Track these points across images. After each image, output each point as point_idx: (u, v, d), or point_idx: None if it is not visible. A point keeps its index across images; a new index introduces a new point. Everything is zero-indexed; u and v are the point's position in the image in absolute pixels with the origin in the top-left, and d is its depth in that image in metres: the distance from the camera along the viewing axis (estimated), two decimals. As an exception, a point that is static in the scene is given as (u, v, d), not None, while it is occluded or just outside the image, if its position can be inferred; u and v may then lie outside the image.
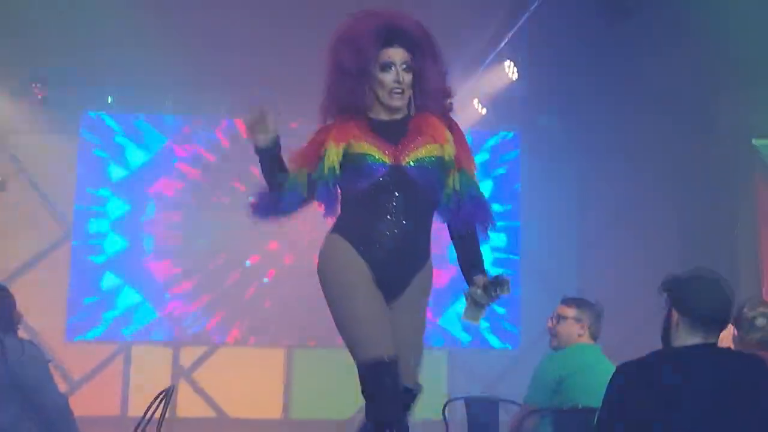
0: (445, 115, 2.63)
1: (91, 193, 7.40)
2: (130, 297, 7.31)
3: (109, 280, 7.35)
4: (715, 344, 2.63)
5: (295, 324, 7.28)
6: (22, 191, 7.20)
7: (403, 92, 2.54)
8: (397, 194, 2.51)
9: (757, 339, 3.56)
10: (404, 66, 2.53)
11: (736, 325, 3.53)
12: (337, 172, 2.50)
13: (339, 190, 2.58)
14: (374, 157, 2.50)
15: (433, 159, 2.54)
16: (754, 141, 7.42)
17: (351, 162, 2.51)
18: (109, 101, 7.33)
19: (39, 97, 6.97)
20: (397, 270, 2.53)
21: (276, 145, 2.54)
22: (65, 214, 7.28)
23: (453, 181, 2.58)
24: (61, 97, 7.14)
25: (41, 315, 6.69)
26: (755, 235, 7.56)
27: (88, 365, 7.09)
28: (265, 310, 7.40)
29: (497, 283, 2.46)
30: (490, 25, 6.28)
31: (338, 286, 2.52)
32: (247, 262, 7.39)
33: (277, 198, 2.60)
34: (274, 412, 7.02)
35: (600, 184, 7.89)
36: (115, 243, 7.26)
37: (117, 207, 7.36)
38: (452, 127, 2.61)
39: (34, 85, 6.92)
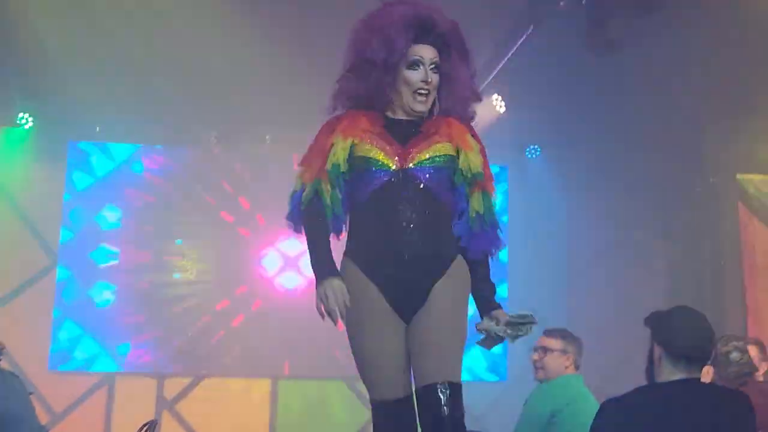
0: (467, 122, 2.46)
1: (77, 221, 7.34)
2: (114, 322, 7.17)
3: (91, 308, 7.26)
4: (698, 379, 2.62)
5: (282, 354, 7.19)
6: (8, 219, 7.16)
7: (428, 94, 2.37)
8: (404, 203, 2.32)
9: (734, 373, 3.67)
10: (432, 66, 2.36)
11: (712, 362, 3.40)
12: (343, 168, 2.33)
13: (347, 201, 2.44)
14: (377, 162, 2.32)
15: (445, 158, 2.35)
16: (738, 176, 7.49)
17: (355, 167, 2.34)
18: (98, 130, 7.24)
19: (26, 126, 6.93)
20: (412, 284, 2.31)
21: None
22: (51, 242, 7.21)
23: (478, 203, 2.40)
24: (49, 125, 7.12)
25: (24, 344, 6.60)
26: (740, 269, 7.51)
27: (70, 396, 6.97)
28: (252, 340, 7.31)
29: (525, 322, 2.36)
30: (477, 58, 6.13)
31: (349, 319, 2.34)
32: (236, 291, 7.28)
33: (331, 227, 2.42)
34: (260, 444, 6.89)
35: (587, 217, 7.85)
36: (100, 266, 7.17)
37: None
38: (475, 137, 2.45)
39: (21, 113, 6.86)
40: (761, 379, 4.11)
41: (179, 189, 7.41)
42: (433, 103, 2.42)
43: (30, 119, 6.85)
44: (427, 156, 2.33)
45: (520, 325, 2.35)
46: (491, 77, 6.23)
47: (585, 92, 6.46)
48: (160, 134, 7.26)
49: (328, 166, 2.31)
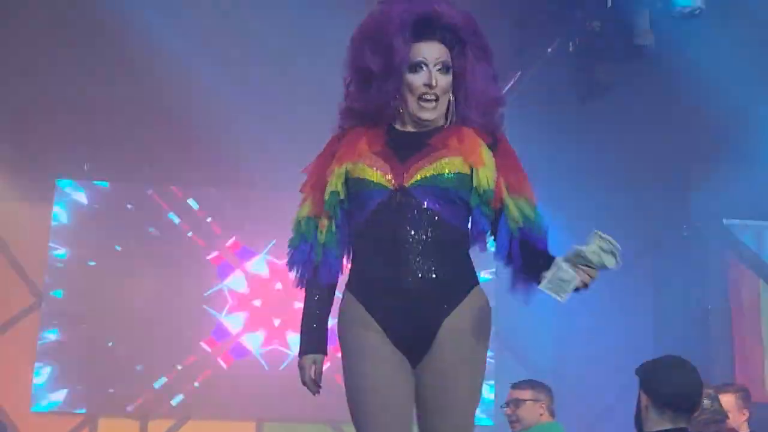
0: (490, 130, 2.11)
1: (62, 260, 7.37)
2: (99, 362, 7.16)
3: (74, 348, 7.26)
4: (684, 429, 2.65)
5: (268, 396, 7.13)
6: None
7: (436, 99, 2.05)
8: (406, 226, 2.02)
9: (704, 420, 3.67)
10: (439, 66, 2.03)
11: None
12: (342, 196, 2.06)
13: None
14: (371, 182, 2.03)
15: (453, 176, 2.02)
16: (724, 221, 7.45)
17: (350, 191, 2.07)
18: (86, 169, 7.24)
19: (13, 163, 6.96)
20: (419, 320, 2.01)
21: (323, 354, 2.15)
22: (35, 282, 7.23)
23: (517, 212, 2.05)
24: (36, 163, 7.12)
25: (6, 384, 6.70)
26: (727, 314, 7.46)
27: (53, 437, 6.97)
28: (238, 381, 7.28)
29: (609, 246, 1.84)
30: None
31: (344, 355, 2.09)
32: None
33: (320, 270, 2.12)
34: (243, 488, 6.79)
35: None
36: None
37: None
38: (498, 145, 2.09)
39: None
40: (743, 425, 4.20)
41: (168, 229, 7.52)
42: (449, 109, 2.11)
43: (17, 156, 6.84)
44: (430, 174, 2.02)
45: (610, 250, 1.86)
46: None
47: (572, 136, 6.57)
48: (149, 174, 7.23)
49: (326, 195, 2.07)
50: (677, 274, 7.49)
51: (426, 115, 2.02)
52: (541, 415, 4.03)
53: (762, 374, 7.40)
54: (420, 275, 1.97)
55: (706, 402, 3.63)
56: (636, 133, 6.55)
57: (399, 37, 1.99)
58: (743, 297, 7.60)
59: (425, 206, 1.98)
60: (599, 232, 1.86)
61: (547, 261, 1.96)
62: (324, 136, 2.25)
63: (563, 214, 7.37)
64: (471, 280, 2.06)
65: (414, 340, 1.97)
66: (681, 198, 7.47)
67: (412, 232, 1.98)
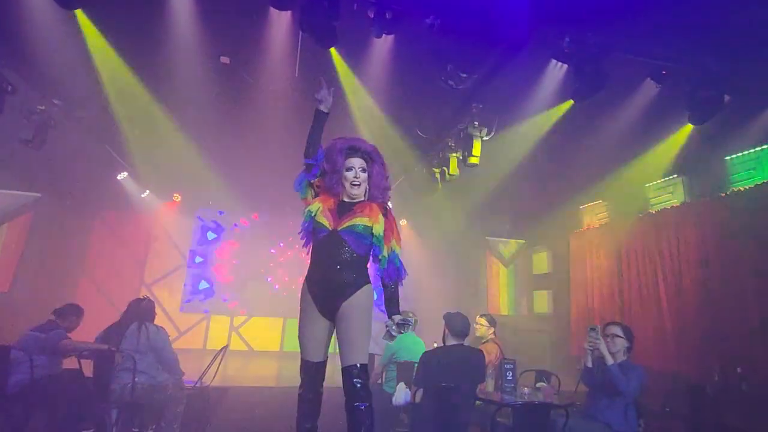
0: (384, 203, 3.16)
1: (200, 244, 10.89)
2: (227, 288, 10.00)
3: (213, 272, 10.61)
4: (462, 344, 3.63)
5: (289, 303, 10.12)
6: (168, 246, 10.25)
7: (359, 185, 3.09)
8: (333, 249, 3.04)
9: (480, 336, 4.75)
10: (361, 169, 3.11)
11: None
12: (313, 214, 3.12)
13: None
14: (321, 224, 3.08)
15: (361, 227, 3.03)
16: (486, 237, 11.14)
17: (315, 225, 3.11)
18: (210, 203, 10.83)
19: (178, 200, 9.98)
20: (327, 300, 3.04)
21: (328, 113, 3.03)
22: (184, 250, 10.42)
23: (387, 251, 3.04)
24: (190, 200, 10.46)
25: (169, 294, 9.71)
26: (485, 287, 11.04)
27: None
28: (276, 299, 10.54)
29: (403, 324, 3.00)
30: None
31: (300, 315, 3.16)
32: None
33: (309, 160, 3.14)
34: None
35: (426, 251, 11.27)
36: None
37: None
38: (387, 214, 3.11)
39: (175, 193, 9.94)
40: (492, 334, 5.16)
41: (255, 238, 11.12)
42: (366, 190, 3.15)
43: (179, 197, 10.57)
44: (348, 225, 3.05)
45: (401, 325, 3.01)
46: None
47: (422, 207, 10.16)
48: (243, 207, 10.89)
49: (307, 210, 3.11)
50: (464, 266, 11.25)
51: (354, 191, 3.13)
52: (414, 328, 4.92)
53: (498, 302, 10.98)
54: (339, 277, 3.01)
55: (475, 326, 4.78)
56: (440, 210, 9.85)
57: (343, 155, 3.12)
58: (491, 274, 11.05)
59: (343, 241, 3.06)
60: (389, 325, 2.99)
61: (387, 300, 3.07)
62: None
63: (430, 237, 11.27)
64: (363, 281, 3.03)
65: (329, 309, 3.08)
66: (466, 228, 10.62)
67: (337, 253, 3.04)
